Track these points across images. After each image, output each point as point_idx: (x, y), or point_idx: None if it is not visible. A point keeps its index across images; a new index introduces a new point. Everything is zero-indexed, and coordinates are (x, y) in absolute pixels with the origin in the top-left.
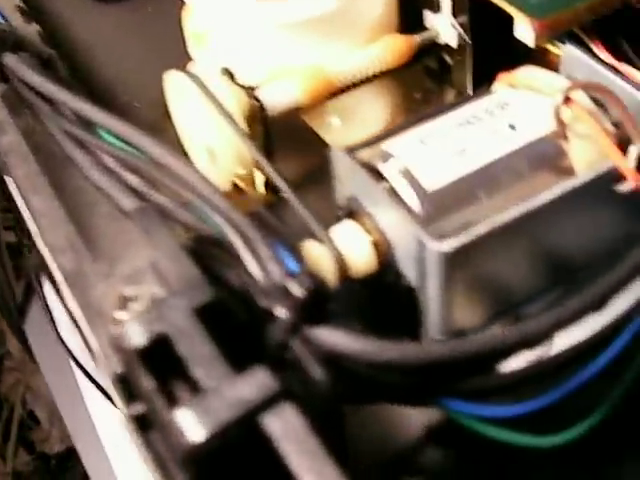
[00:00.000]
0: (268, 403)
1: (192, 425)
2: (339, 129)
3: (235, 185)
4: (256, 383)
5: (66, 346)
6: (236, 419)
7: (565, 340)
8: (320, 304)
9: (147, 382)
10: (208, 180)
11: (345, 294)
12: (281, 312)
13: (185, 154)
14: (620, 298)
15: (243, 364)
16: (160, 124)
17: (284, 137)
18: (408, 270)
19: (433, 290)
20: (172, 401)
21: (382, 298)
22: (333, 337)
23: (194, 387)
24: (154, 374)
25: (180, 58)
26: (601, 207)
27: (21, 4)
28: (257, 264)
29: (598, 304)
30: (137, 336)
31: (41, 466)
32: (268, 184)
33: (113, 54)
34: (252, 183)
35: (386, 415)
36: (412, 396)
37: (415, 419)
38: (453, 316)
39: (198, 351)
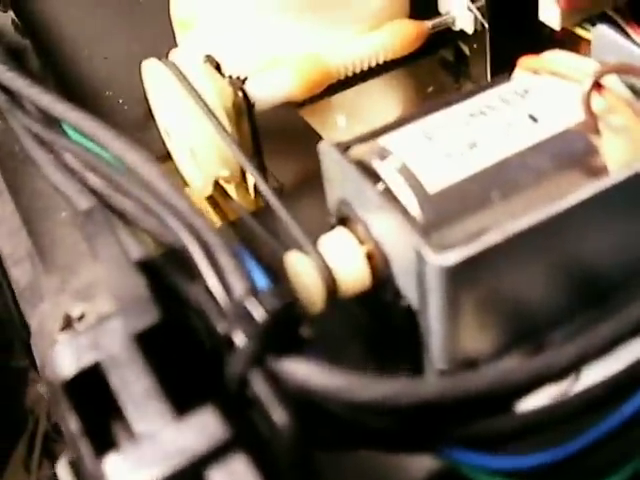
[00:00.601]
0: (215, 454)
1: (121, 479)
2: (343, 128)
3: (221, 188)
4: (202, 429)
5: None
6: (174, 473)
7: (595, 374)
8: (290, 329)
9: (72, 422)
10: (169, 179)
11: (338, 314)
12: (240, 339)
13: (168, 155)
14: None
15: (191, 403)
16: (145, 122)
17: (277, 134)
18: (407, 287)
19: (435, 312)
20: (102, 445)
21: (379, 319)
22: (303, 371)
23: (130, 428)
24: (81, 412)
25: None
26: (638, 213)
27: None
28: (217, 278)
29: (635, 331)
30: (65, 365)
31: None
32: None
33: (98, 46)
34: (241, 185)
35: (378, 462)
36: (403, 443)
37: (414, 466)
38: (460, 343)
39: (134, 386)
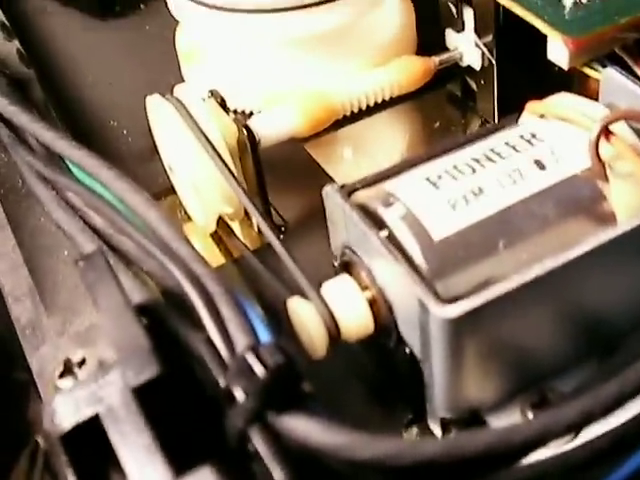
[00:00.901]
0: None
1: None
2: (347, 162)
3: (225, 224)
4: None
5: None
6: None
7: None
8: (292, 385)
9: (70, 476)
10: (169, 222)
11: (341, 358)
12: (241, 394)
13: (172, 188)
14: None
15: (192, 458)
16: (148, 154)
17: (281, 169)
18: (410, 335)
19: (438, 361)
20: None
21: (383, 365)
22: (303, 427)
23: None
24: (78, 467)
25: (177, 82)
26: None
27: (4, 20)
28: (218, 330)
29: None
30: (63, 418)
31: None
32: None
33: (104, 75)
34: (245, 221)
35: None
36: None
37: None
38: (463, 392)
39: (133, 441)
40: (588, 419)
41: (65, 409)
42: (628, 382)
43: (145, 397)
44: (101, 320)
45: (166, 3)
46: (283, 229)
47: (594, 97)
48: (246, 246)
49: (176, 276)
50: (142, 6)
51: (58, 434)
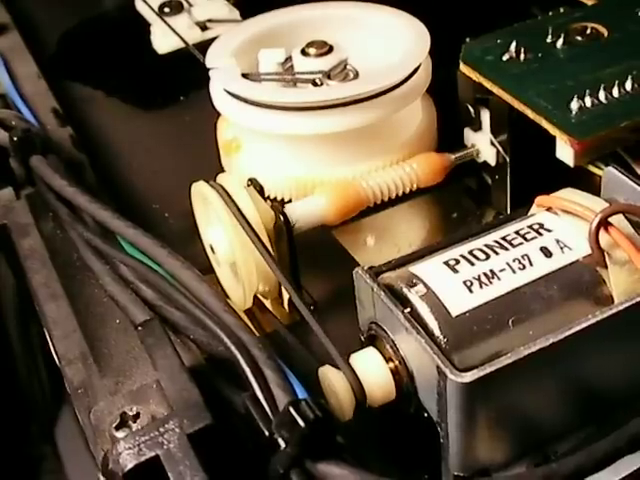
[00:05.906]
0: None
1: None
2: (371, 248)
3: (259, 301)
4: None
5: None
6: None
7: None
8: (327, 436)
9: None
10: (217, 295)
11: (364, 420)
12: (284, 443)
13: (210, 267)
14: None
15: None
16: (188, 235)
17: (311, 253)
18: (429, 400)
19: (453, 424)
20: None
21: (402, 427)
22: (337, 473)
23: None
24: None
25: (215, 169)
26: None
27: (57, 107)
28: (261, 388)
29: (631, 446)
30: (127, 457)
31: None
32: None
33: (147, 161)
34: (277, 299)
35: None
36: None
37: None
38: (474, 452)
39: None
40: (583, 472)
41: (129, 451)
42: (617, 441)
43: (199, 442)
44: (158, 377)
45: (205, 96)
46: (312, 307)
47: (597, 191)
48: (279, 321)
49: (226, 342)
50: (182, 98)
51: (122, 472)
